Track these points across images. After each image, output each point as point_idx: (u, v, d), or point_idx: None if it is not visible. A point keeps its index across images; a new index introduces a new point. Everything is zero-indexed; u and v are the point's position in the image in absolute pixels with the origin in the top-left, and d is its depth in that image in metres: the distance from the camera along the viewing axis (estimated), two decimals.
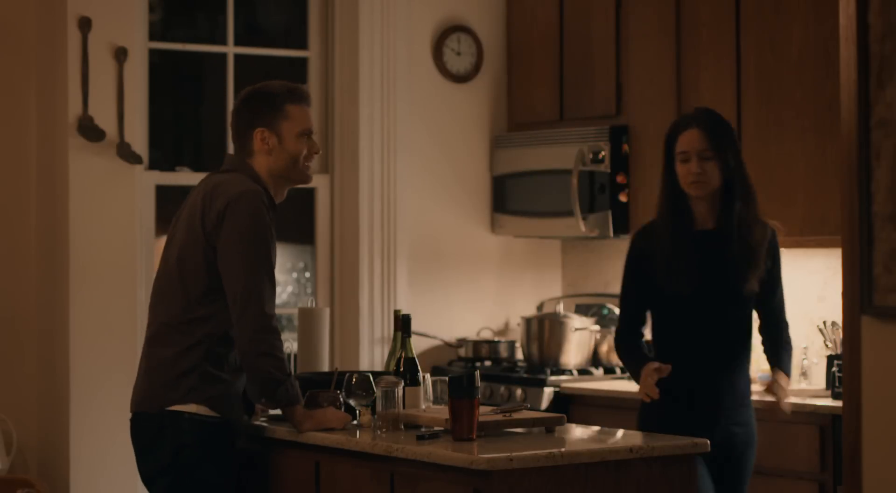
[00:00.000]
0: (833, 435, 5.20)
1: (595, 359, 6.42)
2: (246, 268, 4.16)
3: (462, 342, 6.65)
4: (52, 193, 5.93)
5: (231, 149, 6.28)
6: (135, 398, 4.32)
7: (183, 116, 7.04)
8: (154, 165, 6.25)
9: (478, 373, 4.03)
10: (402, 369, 4.34)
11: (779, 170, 5.71)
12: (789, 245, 5.78)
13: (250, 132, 4.35)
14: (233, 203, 4.20)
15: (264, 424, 4.36)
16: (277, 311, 4.24)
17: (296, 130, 4.32)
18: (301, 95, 4.37)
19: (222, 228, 4.20)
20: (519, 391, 6.16)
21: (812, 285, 5.93)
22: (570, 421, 4.38)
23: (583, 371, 6.31)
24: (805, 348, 5.89)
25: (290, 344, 4.78)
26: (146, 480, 4.32)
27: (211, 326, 4.23)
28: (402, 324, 4.43)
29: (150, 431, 4.26)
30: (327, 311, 4.84)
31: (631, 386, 6.03)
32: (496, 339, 6.65)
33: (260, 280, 4.16)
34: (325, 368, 4.74)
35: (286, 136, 4.32)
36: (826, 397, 5.46)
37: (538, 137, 6.59)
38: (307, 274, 7.03)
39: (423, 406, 4.33)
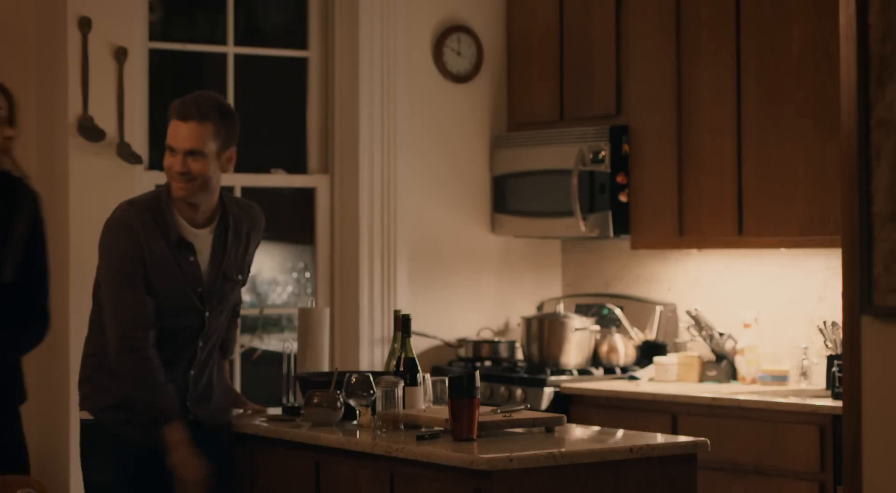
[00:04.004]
0: (833, 435, 5.20)
1: (595, 359, 6.42)
2: (103, 292, 4.32)
3: (462, 342, 6.65)
4: (52, 194, 5.91)
5: None
6: None
7: None
8: (154, 165, 6.24)
9: (478, 373, 4.03)
10: (402, 370, 4.35)
11: (779, 170, 5.71)
12: (789, 245, 5.79)
13: None
14: (103, 227, 4.37)
15: (264, 423, 4.36)
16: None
17: (168, 143, 4.36)
18: (180, 110, 4.32)
19: None
20: (519, 391, 6.16)
21: (812, 285, 5.93)
22: (570, 421, 4.38)
23: (583, 371, 6.31)
24: (805, 348, 5.89)
25: (291, 344, 4.78)
26: None
27: (102, 337, 4.34)
28: (402, 324, 4.43)
29: None
30: (327, 311, 4.84)
31: (632, 386, 6.03)
32: (496, 339, 6.65)
33: (112, 303, 4.27)
34: (325, 368, 4.74)
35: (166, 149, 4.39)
36: (826, 397, 5.46)
37: (538, 137, 6.58)
38: (307, 274, 7.02)
39: (423, 406, 4.33)
